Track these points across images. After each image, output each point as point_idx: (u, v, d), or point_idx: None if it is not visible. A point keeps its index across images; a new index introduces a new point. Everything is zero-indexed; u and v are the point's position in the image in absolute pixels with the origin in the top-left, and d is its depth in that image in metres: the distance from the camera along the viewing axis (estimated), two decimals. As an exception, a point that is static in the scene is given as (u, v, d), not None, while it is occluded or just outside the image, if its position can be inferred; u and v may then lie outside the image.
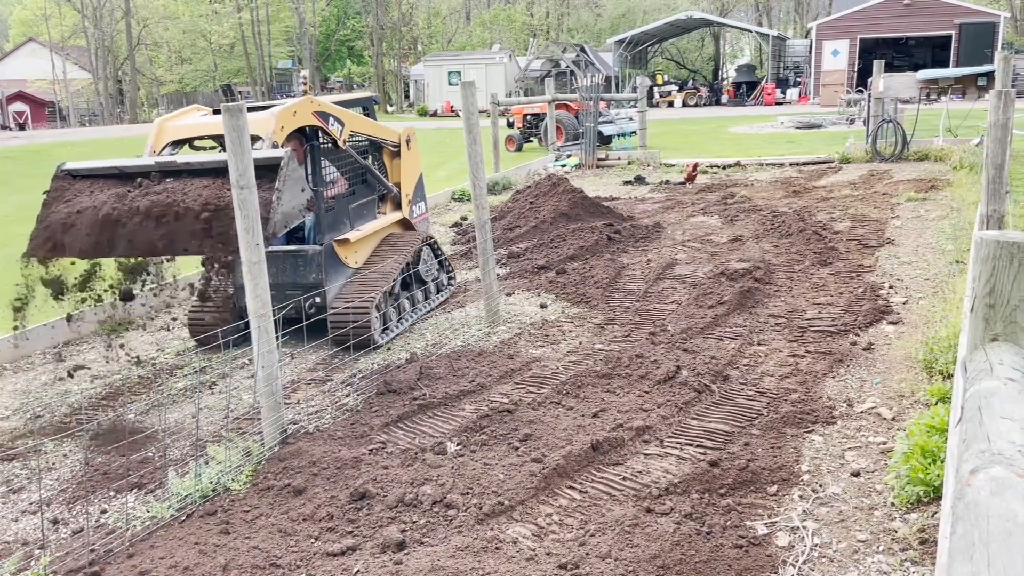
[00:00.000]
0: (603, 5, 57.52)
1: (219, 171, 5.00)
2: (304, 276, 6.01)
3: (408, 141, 7.46)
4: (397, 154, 7.40)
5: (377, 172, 6.96)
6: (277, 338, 4.51)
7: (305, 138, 6.04)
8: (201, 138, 5.99)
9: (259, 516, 3.74)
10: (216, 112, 6.13)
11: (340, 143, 6.15)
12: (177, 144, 5.87)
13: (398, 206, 7.36)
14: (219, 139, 6.06)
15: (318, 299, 5.97)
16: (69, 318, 5.85)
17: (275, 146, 5.29)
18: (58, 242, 5.10)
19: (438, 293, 7.27)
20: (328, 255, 6.10)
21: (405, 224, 7.42)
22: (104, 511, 3.96)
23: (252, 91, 52.35)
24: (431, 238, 7.23)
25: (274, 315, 5.13)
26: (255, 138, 5.59)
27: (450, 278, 7.58)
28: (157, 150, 5.77)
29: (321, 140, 6.14)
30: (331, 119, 6.00)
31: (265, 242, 4.56)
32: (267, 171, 4.79)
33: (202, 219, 4.80)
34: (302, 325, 5.65)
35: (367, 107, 7.30)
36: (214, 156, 5.32)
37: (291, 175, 4.87)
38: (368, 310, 5.87)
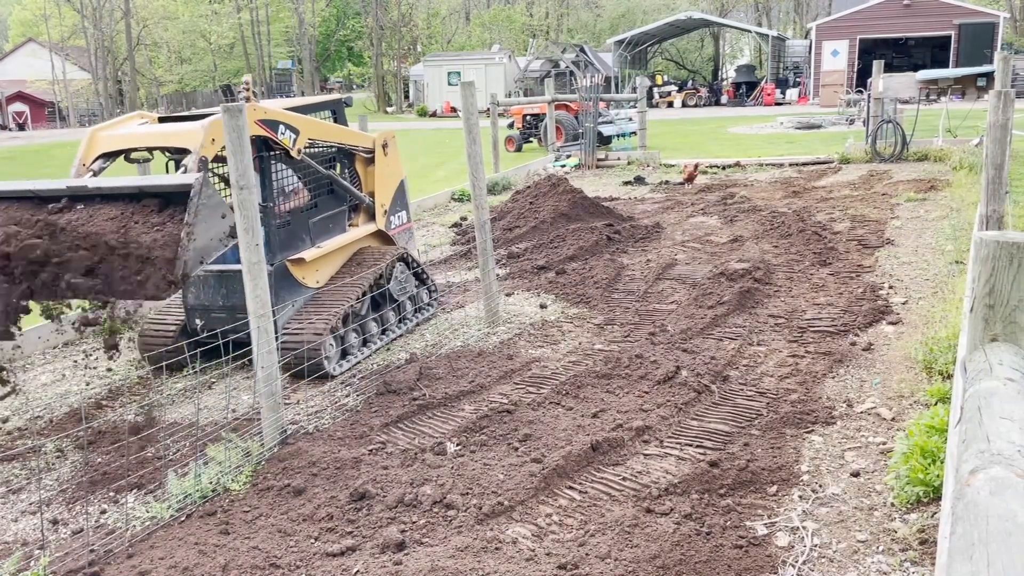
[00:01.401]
0: (603, 5, 57.49)
1: (133, 197, 4.45)
2: None
3: (385, 147, 6.91)
4: (371, 161, 6.83)
5: (345, 182, 6.43)
6: (277, 337, 4.50)
7: (256, 148, 5.45)
8: (136, 150, 5.42)
9: (259, 516, 3.74)
10: (162, 120, 5.64)
11: (293, 153, 5.63)
12: (109, 156, 5.30)
13: (374, 217, 6.82)
14: (157, 151, 5.54)
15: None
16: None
17: (203, 162, 4.76)
18: None
19: (417, 313, 6.70)
20: (280, 275, 5.63)
21: (383, 237, 6.88)
22: (104, 511, 3.96)
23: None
24: (406, 253, 6.65)
25: (223, 337, 4.94)
26: (184, 151, 5.06)
27: (432, 296, 6.98)
28: (87, 163, 5.22)
29: (274, 150, 5.65)
30: (281, 127, 5.48)
31: (173, 287, 4.12)
32: (179, 198, 4.24)
33: (90, 260, 4.26)
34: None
35: (336, 111, 6.71)
36: (128, 180, 4.67)
37: (206, 203, 4.21)
38: (320, 337, 5.40)
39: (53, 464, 4.53)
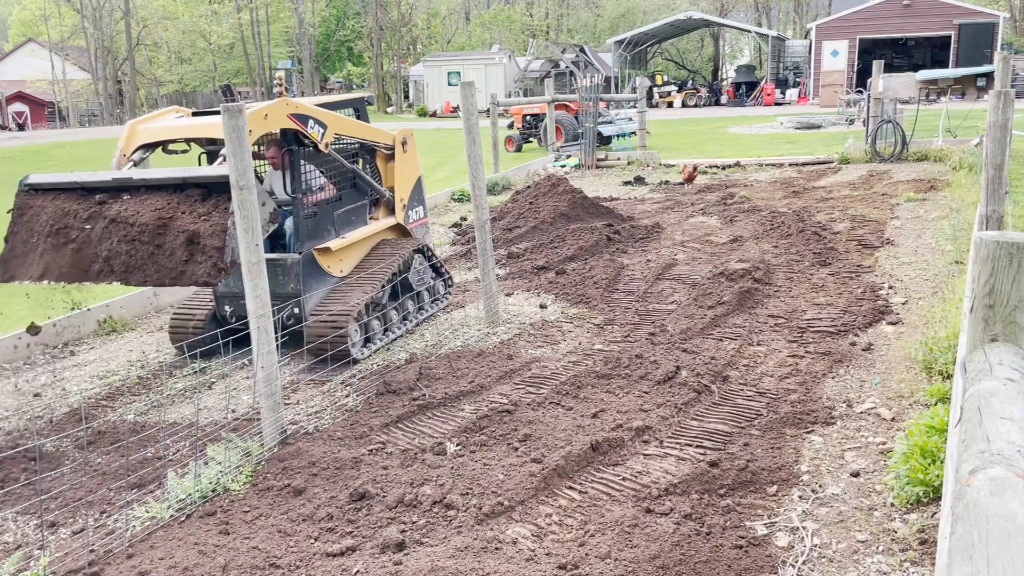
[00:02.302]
0: (603, 5, 57.47)
1: (176, 187, 4.65)
2: (282, 286, 5.69)
3: (404, 143, 7.13)
4: (392, 157, 7.06)
5: (367, 176, 6.66)
6: (276, 339, 4.50)
7: (286, 142, 5.72)
8: (174, 141, 5.70)
9: (259, 516, 3.74)
10: (196, 114, 5.89)
11: (321, 147, 5.84)
12: (148, 147, 5.58)
13: (393, 211, 7.04)
14: (194, 143, 5.84)
15: (296, 310, 5.73)
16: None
17: None
18: (16, 268, 4.90)
19: (433, 303, 6.93)
20: (307, 264, 5.84)
21: (401, 230, 7.11)
22: (104, 511, 3.96)
23: (252, 91, 52.31)
24: (424, 245, 6.89)
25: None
26: (219, 142, 5.31)
27: (448, 287, 7.19)
28: (127, 154, 5.51)
29: (304, 143, 5.83)
30: (310, 122, 5.67)
31: (223, 274, 4.34)
32: (221, 188, 4.43)
33: (143, 248, 4.49)
34: (300, 327, 5.65)
35: (359, 108, 6.94)
36: (171, 172, 4.97)
37: None
38: (345, 323, 5.59)
39: (53, 464, 4.52)
